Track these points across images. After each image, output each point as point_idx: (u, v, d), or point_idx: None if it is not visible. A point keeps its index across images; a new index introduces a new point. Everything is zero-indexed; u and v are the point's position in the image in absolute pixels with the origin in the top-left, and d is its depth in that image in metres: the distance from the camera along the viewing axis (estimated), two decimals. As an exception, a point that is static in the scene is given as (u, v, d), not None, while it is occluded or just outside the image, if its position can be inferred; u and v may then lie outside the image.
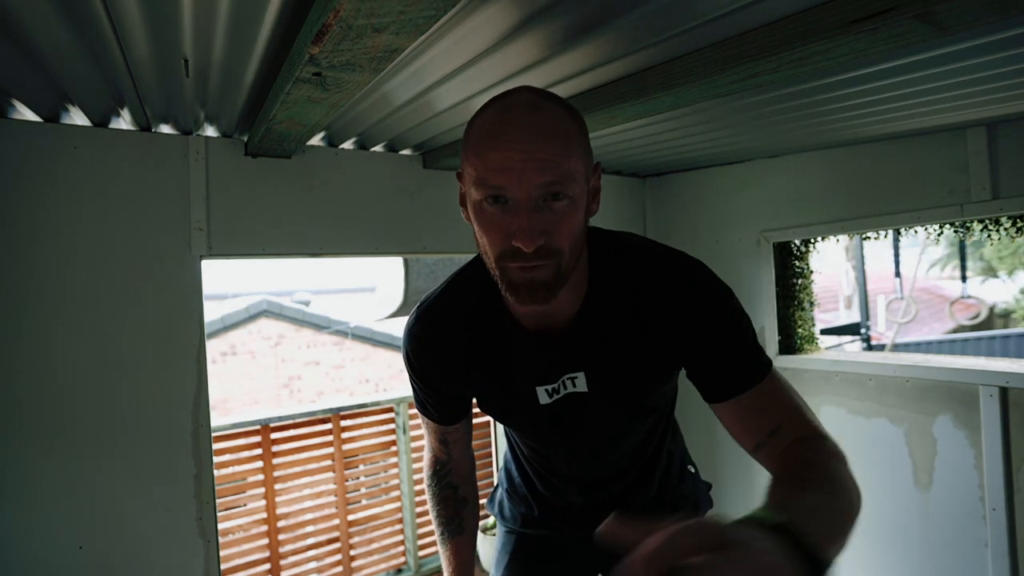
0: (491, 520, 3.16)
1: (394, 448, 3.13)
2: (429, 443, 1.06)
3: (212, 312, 7.76)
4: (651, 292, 0.78)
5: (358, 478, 3.12)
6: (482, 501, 1.15)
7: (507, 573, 1.12)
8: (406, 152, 1.82)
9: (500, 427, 2.67)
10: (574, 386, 0.84)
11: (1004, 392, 1.59)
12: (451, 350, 0.86)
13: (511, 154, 0.64)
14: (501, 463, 1.21)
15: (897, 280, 7.08)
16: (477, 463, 3.33)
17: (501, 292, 0.74)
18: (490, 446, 3.46)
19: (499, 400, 0.90)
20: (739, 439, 0.77)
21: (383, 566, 3.08)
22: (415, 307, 0.90)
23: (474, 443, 3.41)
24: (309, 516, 2.95)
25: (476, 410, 1.00)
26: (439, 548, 1.09)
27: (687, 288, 0.77)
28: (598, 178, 0.75)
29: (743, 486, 2.21)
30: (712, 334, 0.77)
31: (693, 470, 1.13)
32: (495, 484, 1.28)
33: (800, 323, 2.15)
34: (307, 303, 9.90)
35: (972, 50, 1.02)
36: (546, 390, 0.85)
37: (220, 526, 1.52)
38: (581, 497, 1.03)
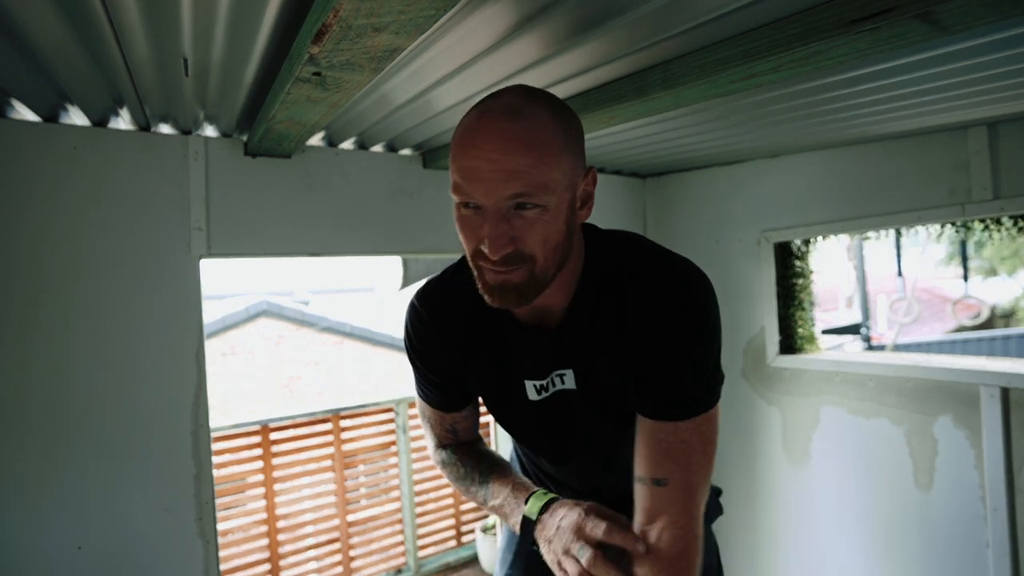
0: (491, 520, 3.16)
1: (394, 448, 3.13)
2: (434, 434, 0.99)
3: (212, 312, 7.75)
4: (635, 294, 0.77)
5: (358, 478, 3.12)
6: None
7: (511, 571, 1.12)
8: (406, 152, 1.82)
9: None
10: (563, 383, 0.84)
11: (1005, 392, 1.59)
12: (451, 332, 0.86)
13: (479, 163, 0.64)
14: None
15: (899, 280, 7.09)
16: (477, 463, 3.33)
17: None
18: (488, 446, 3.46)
19: (490, 391, 0.90)
20: (633, 456, 0.77)
21: (383, 566, 3.08)
22: (420, 287, 0.91)
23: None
24: (309, 516, 2.94)
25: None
26: (483, 500, 0.90)
27: (665, 297, 0.75)
28: (591, 183, 0.74)
29: (747, 488, 2.21)
30: (664, 353, 0.74)
31: None
32: None
33: (800, 323, 2.15)
34: (307, 303, 9.90)
35: (972, 50, 1.02)
36: (535, 386, 0.85)
37: (220, 526, 1.52)
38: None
